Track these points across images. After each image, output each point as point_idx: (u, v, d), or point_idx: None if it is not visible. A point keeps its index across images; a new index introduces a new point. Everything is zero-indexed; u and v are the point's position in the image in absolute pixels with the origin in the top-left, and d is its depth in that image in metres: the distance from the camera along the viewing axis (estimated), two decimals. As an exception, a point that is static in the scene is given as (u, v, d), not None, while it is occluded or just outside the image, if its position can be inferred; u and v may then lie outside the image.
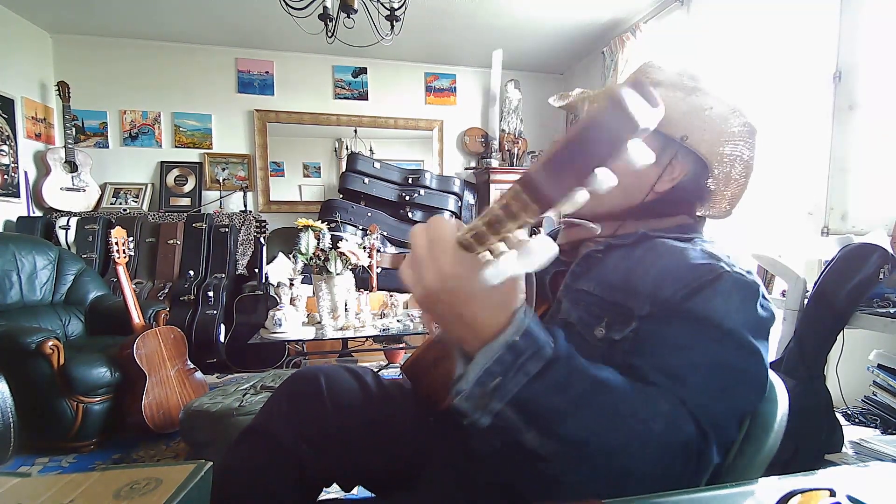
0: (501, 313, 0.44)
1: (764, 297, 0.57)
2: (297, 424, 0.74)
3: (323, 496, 0.79)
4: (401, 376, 0.86)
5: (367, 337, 2.35)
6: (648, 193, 0.69)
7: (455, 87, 4.24)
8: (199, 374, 2.37)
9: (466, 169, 4.26)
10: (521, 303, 0.45)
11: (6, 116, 3.08)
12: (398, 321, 2.44)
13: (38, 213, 3.34)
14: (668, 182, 0.69)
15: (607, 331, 0.59)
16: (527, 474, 0.59)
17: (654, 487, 0.45)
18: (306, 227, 2.39)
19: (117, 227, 2.27)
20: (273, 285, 2.68)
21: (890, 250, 1.38)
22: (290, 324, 2.20)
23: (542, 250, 0.37)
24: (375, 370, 2.82)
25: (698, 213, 0.75)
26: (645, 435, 0.46)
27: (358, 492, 0.85)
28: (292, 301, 2.37)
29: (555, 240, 0.79)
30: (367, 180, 3.63)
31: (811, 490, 0.42)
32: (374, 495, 0.83)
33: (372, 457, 0.76)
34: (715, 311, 0.53)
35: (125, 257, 2.21)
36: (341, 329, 2.29)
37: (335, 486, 0.82)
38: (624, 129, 0.31)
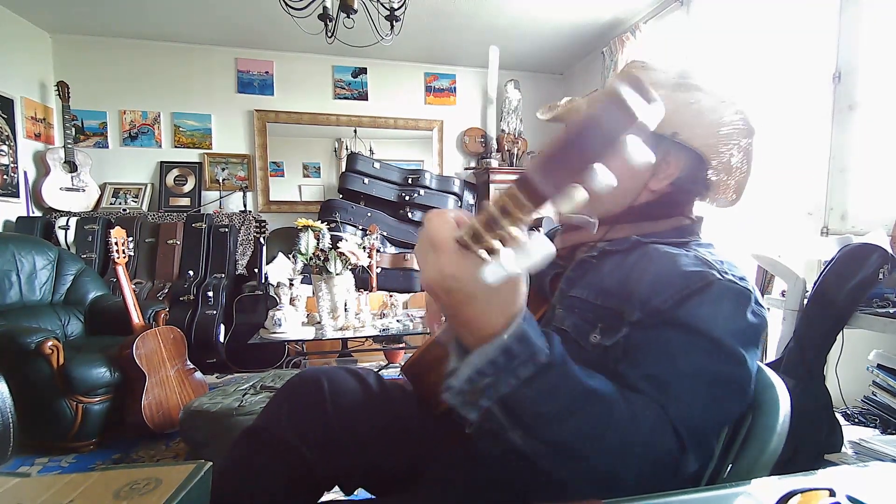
0: (500, 316, 0.43)
1: (757, 303, 0.57)
2: (299, 427, 0.74)
3: (323, 499, 0.79)
4: (401, 377, 0.86)
5: (366, 337, 2.35)
6: (642, 192, 0.68)
7: (455, 88, 4.24)
8: (198, 374, 2.36)
9: (466, 169, 4.26)
10: (521, 306, 0.44)
11: (6, 116, 3.08)
12: (398, 321, 2.44)
13: (38, 213, 3.34)
14: (664, 179, 0.68)
15: (602, 336, 0.60)
16: (528, 474, 0.59)
17: (633, 492, 0.45)
18: (306, 227, 2.39)
19: (117, 227, 2.27)
20: (273, 285, 2.67)
21: (890, 250, 1.38)
22: (289, 324, 2.20)
23: (538, 249, 0.36)
24: (376, 370, 2.82)
25: (706, 201, 0.75)
26: (627, 446, 0.47)
27: (359, 494, 0.85)
28: (292, 301, 2.37)
29: (552, 241, 0.79)
30: (366, 180, 3.63)
31: (811, 490, 0.42)
32: (374, 497, 0.82)
33: (374, 458, 0.76)
34: (703, 320, 0.53)
35: (125, 257, 2.20)
36: (341, 329, 2.29)
37: (335, 489, 0.81)
38: (621, 123, 0.31)
